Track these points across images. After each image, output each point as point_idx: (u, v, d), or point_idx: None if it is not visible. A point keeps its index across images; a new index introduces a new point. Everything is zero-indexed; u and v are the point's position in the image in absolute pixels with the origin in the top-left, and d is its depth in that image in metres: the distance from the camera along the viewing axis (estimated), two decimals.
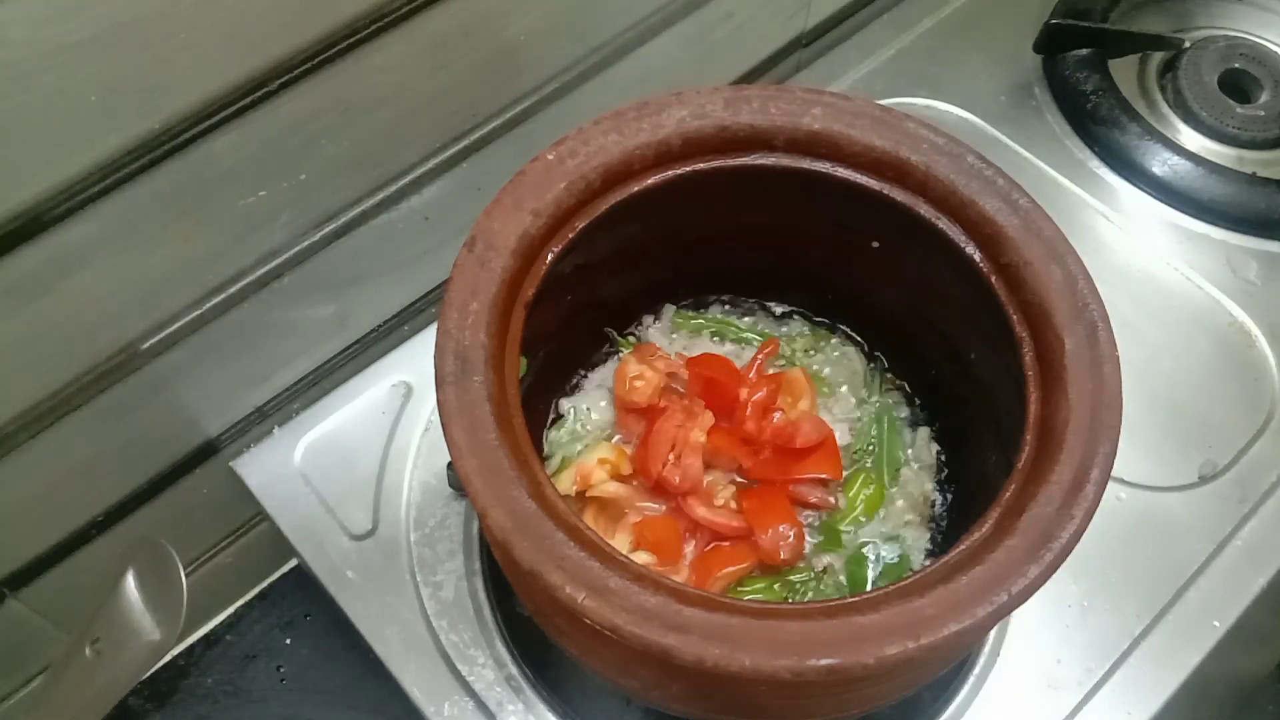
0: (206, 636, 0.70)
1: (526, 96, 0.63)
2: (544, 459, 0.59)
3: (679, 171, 0.51)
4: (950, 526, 0.58)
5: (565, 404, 0.61)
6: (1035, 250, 0.47)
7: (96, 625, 0.53)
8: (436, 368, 0.43)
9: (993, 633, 0.60)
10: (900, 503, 0.59)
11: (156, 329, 0.54)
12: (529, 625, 0.57)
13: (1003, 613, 0.39)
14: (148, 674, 0.66)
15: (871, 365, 0.63)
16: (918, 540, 0.58)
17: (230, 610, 0.71)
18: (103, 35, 0.41)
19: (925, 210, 0.50)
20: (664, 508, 0.57)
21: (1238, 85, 0.83)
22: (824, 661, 0.37)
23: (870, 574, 0.56)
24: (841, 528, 0.57)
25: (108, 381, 0.54)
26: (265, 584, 0.73)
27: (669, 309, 0.64)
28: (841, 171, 0.51)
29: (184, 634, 0.69)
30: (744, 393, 0.59)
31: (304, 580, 0.68)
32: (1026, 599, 0.39)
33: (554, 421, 0.61)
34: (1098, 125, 0.79)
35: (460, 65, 0.57)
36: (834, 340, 0.64)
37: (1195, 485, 0.66)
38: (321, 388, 0.68)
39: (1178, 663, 0.60)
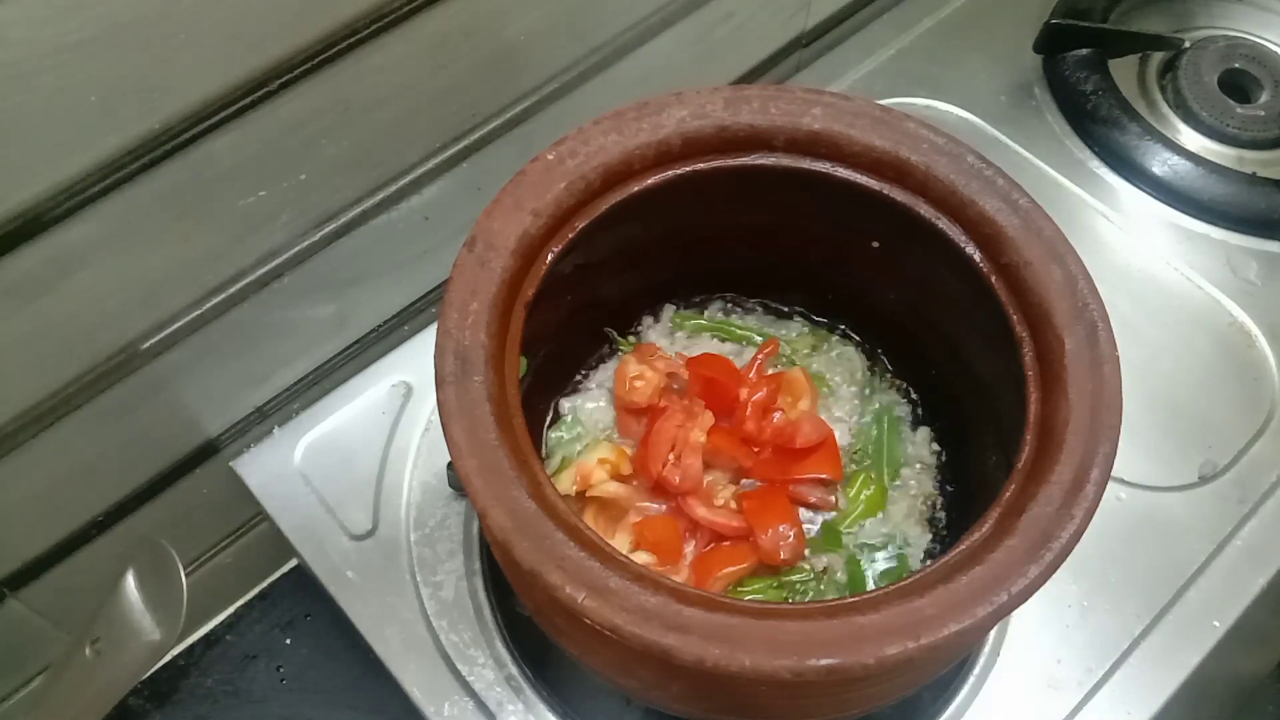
0: (206, 636, 0.70)
1: (526, 96, 0.63)
2: (544, 459, 0.59)
3: (679, 171, 0.51)
4: (950, 526, 0.58)
5: (565, 404, 0.61)
6: (1035, 250, 0.47)
7: (96, 625, 0.53)
8: (436, 368, 0.43)
9: (993, 633, 0.60)
10: (900, 503, 0.59)
11: (156, 329, 0.54)
12: (529, 625, 0.57)
13: (1003, 613, 0.39)
14: (148, 674, 0.66)
15: (872, 365, 0.63)
16: (918, 540, 0.58)
17: (230, 610, 0.71)
18: (103, 35, 0.41)
19: (925, 210, 0.50)
20: (664, 508, 0.57)
21: (1238, 85, 0.83)
22: (824, 661, 0.37)
23: (870, 574, 0.56)
24: (841, 528, 0.57)
25: (108, 381, 0.54)
26: (265, 584, 0.73)
27: (669, 309, 0.64)
28: (841, 171, 0.51)
29: (184, 634, 0.69)
30: (744, 393, 0.59)
31: (304, 580, 0.68)
32: (1026, 599, 0.39)
33: (554, 421, 0.61)
34: (1098, 125, 0.79)
35: (460, 65, 0.57)
36: (834, 340, 0.64)
37: (1195, 485, 0.66)
38: (321, 388, 0.68)
39: (1178, 663, 0.60)
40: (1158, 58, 0.85)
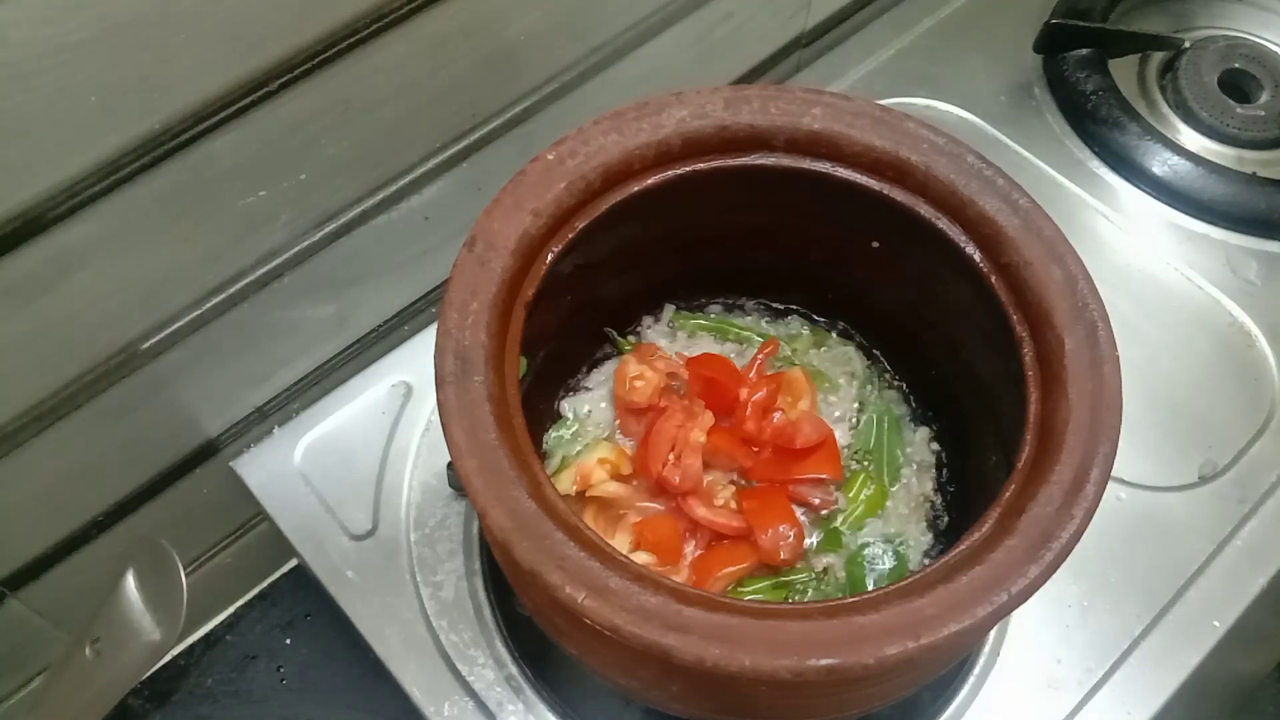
0: (206, 636, 0.70)
1: (526, 96, 0.63)
2: (544, 459, 0.59)
3: (679, 171, 0.51)
4: (950, 526, 0.58)
5: (565, 404, 0.61)
6: (1035, 250, 0.47)
7: (96, 625, 0.53)
8: (436, 368, 0.43)
9: (993, 633, 0.60)
10: (900, 503, 0.59)
11: (156, 329, 0.54)
12: (529, 625, 0.57)
13: (1003, 613, 0.39)
14: (148, 674, 0.66)
15: (871, 365, 0.63)
16: (918, 540, 0.58)
17: (230, 610, 0.71)
18: (103, 35, 0.41)
19: (925, 210, 0.50)
20: (664, 508, 0.57)
21: (1238, 85, 0.83)
22: (824, 661, 0.37)
23: (870, 574, 0.56)
24: (842, 528, 0.57)
25: (108, 381, 0.54)
26: (265, 584, 0.73)
27: (669, 309, 0.64)
28: (841, 171, 0.51)
29: (184, 634, 0.69)
30: (744, 393, 0.59)
31: (304, 580, 0.68)
32: (1026, 599, 0.39)
33: (554, 421, 0.61)
34: (1098, 125, 0.79)
35: (460, 65, 0.57)
36: (834, 340, 0.64)
37: (1195, 485, 0.66)
38: (321, 388, 0.68)
39: (1178, 663, 0.60)
40: (1158, 58, 0.85)
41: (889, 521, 0.58)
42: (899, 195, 0.50)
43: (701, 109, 0.50)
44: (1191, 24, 0.88)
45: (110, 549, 0.61)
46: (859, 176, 0.51)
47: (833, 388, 0.62)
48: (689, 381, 0.59)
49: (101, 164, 0.45)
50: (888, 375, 0.63)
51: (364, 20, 0.50)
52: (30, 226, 0.44)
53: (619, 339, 0.63)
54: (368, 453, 0.66)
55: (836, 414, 0.61)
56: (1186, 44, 0.83)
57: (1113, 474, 0.42)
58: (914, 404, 0.62)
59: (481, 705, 0.58)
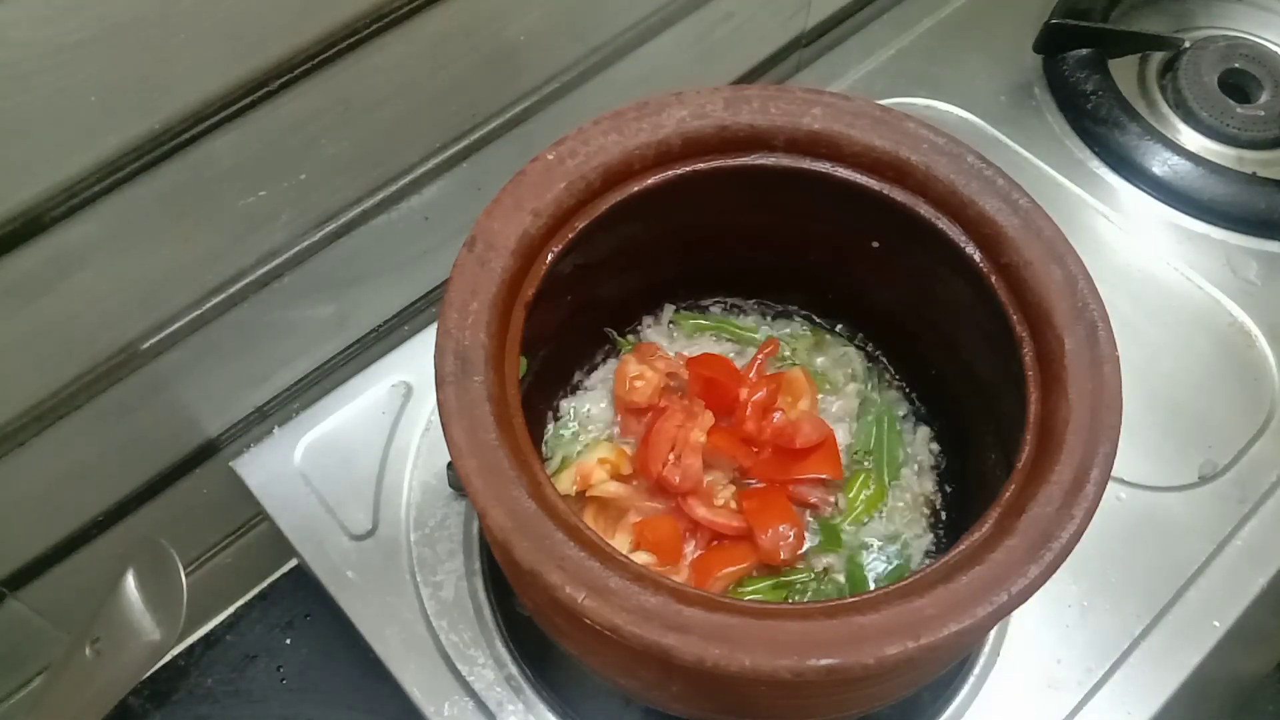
0: (206, 636, 0.70)
1: (526, 96, 0.63)
2: (544, 459, 0.59)
3: (679, 171, 0.51)
4: (950, 526, 0.58)
5: (565, 404, 0.61)
6: (1035, 250, 0.47)
7: (96, 625, 0.53)
8: (436, 368, 0.43)
9: (993, 633, 0.60)
10: (900, 503, 0.59)
11: (156, 329, 0.54)
12: (529, 625, 0.57)
13: (1003, 613, 0.39)
14: (148, 674, 0.66)
15: (871, 365, 0.63)
16: (918, 540, 0.58)
17: (230, 610, 0.71)
18: (103, 35, 0.41)
19: (925, 210, 0.50)
20: (664, 508, 0.57)
21: (1238, 85, 0.83)
22: (824, 661, 0.37)
23: (870, 574, 0.56)
24: (842, 528, 0.57)
25: (108, 381, 0.54)
26: (265, 584, 0.73)
27: (669, 309, 0.64)
28: (841, 171, 0.51)
29: (184, 634, 0.69)
30: (744, 393, 0.59)
31: (304, 580, 0.68)
32: (1026, 599, 0.39)
33: (554, 421, 0.61)
34: (1098, 125, 0.79)
35: (460, 65, 0.57)
36: (834, 340, 0.64)
37: (1195, 485, 0.66)
38: (321, 388, 0.68)
39: (1178, 663, 0.60)
40: (1158, 58, 0.85)
41: (889, 521, 0.58)
42: (899, 195, 0.50)
43: (701, 109, 0.50)
44: (1191, 24, 0.88)
45: (110, 549, 0.61)
46: (859, 176, 0.51)
47: (833, 388, 0.62)
48: (689, 381, 0.59)
49: (101, 164, 0.45)
50: (888, 375, 0.63)
51: (364, 20, 0.50)
52: (30, 226, 0.44)
53: (619, 339, 0.63)
54: (368, 453, 0.66)
55: (836, 414, 0.61)
56: (1186, 44, 0.83)
57: (1113, 474, 0.42)
58: (914, 404, 0.62)
59: (481, 705, 0.58)
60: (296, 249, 0.58)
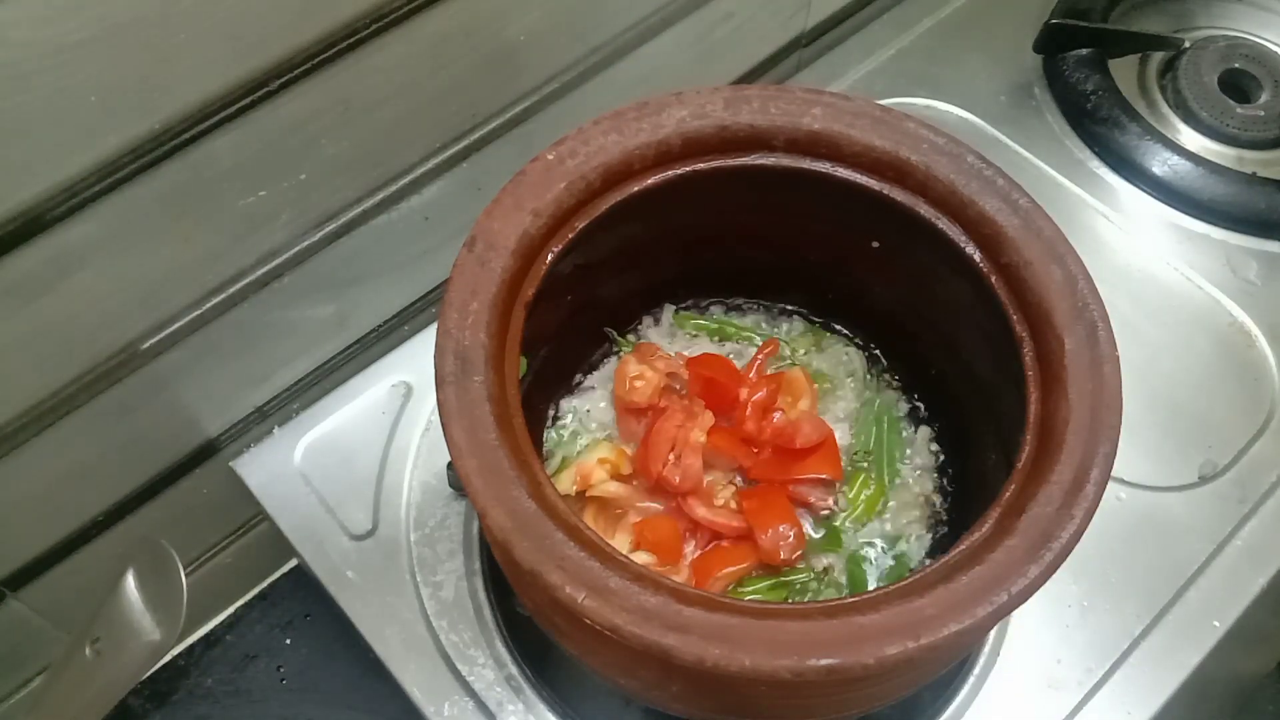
0: (206, 636, 0.70)
1: (526, 96, 0.63)
2: (544, 459, 0.59)
3: (679, 171, 0.51)
4: (950, 526, 0.58)
5: (565, 404, 0.61)
6: (1035, 250, 0.47)
7: (96, 625, 0.53)
8: (436, 368, 0.43)
9: (993, 633, 0.60)
10: (900, 503, 0.59)
11: (156, 329, 0.54)
12: (529, 625, 0.57)
13: (1003, 613, 0.39)
14: (148, 674, 0.66)
15: (871, 365, 0.63)
16: (918, 540, 0.58)
17: (230, 610, 0.71)
18: (103, 35, 0.41)
19: (925, 210, 0.50)
20: (664, 508, 0.57)
21: (1238, 85, 0.83)
22: (824, 661, 0.37)
23: (870, 574, 0.56)
24: (842, 528, 0.57)
25: (108, 381, 0.54)
26: (265, 584, 0.73)
27: (669, 309, 0.64)
28: (841, 171, 0.51)
29: (184, 634, 0.69)
30: (744, 393, 0.59)
31: (304, 580, 0.68)
32: (1026, 599, 0.39)
33: (554, 421, 0.61)
34: (1098, 125, 0.79)
35: (460, 65, 0.57)
36: (834, 340, 0.64)
37: (1195, 485, 0.66)
38: (321, 388, 0.68)
39: (1178, 663, 0.60)
40: (1158, 58, 0.85)
41: (889, 521, 0.58)
42: (899, 195, 0.50)
43: (701, 109, 0.50)
44: (1191, 24, 0.88)
45: (110, 549, 0.61)
46: (859, 176, 0.51)
47: (833, 388, 0.62)
48: (689, 381, 0.59)
49: (101, 164, 0.45)
50: (888, 375, 0.63)
51: (364, 20, 0.50)
52: (30, 226, 0.44)
53: (619, 339, 0.63)
54: (368, 453, 0.66)
55: (836, 414, 0.61)
56: (1186, 44, 0.83)
57: (1113, 474, 0.42)
58: (914, 404, 0.62)
59: (481, 705, 0.58)
60: (296, 249, 0.58)
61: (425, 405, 0.67)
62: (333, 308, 0.64)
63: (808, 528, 0.57)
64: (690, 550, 0.56)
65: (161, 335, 0.55)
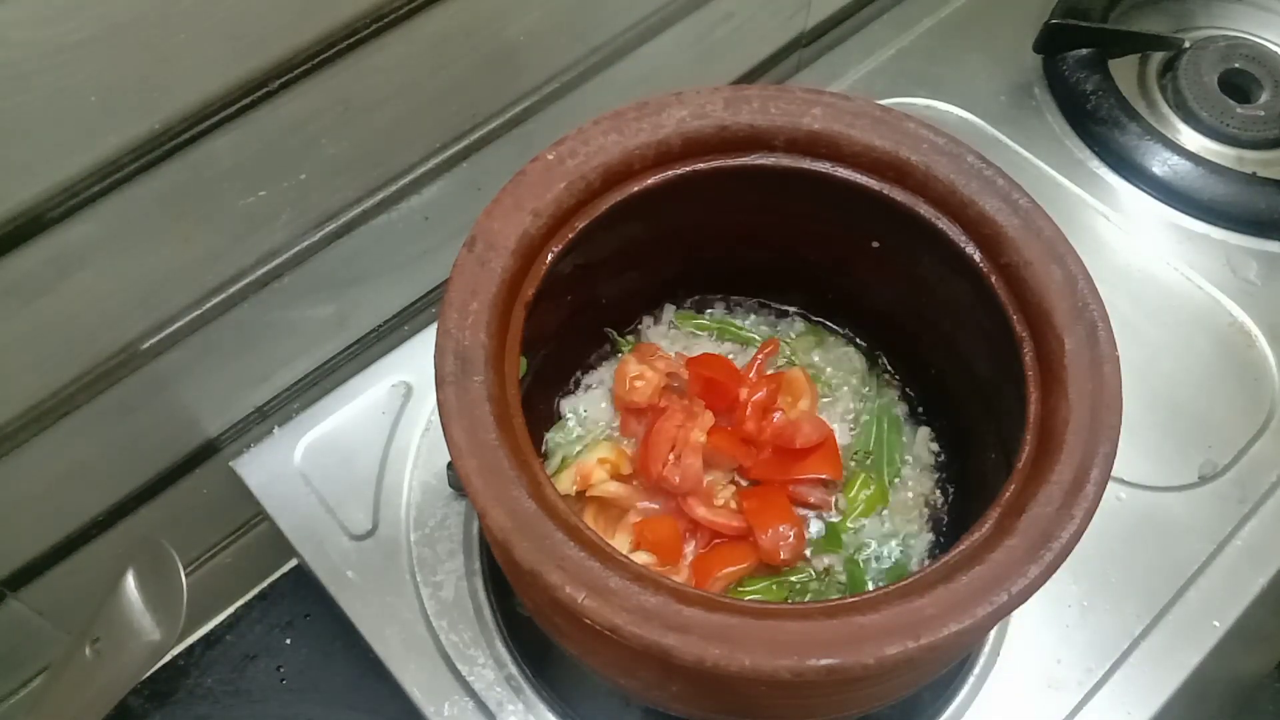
0: (206, 636, 0.70)
1: (526, 96, 0.63)
2: (544, 459, 0.59)
3: (679, 171, 0.51)
4: (950, 526, 0.58)
5: (565, 404, 0.61)
6: (1035, 250, 0.47)
7: (96, 625, 0.53)
8: (436, 368, 0.43)
9: (993, 633, 0.60)
10: (900, 503, 0.59)
11: (156, 329, 0.54)
12: (529, 625, 0.57)
13: (1003, 613, 0.39)
14: (148, 674, 0.66)
15: (872, 365, 0.63)
16: (918, 540, 0.58)
17: (230, 610, 0.71)
18: (103, 35, 0.41)
19: (925, 210, 0.50)
20: (664, 508, 0.57)
21: (1238, 85, 0.83)
22: (824, 661, 0.37)
23: (870, 574, 0.56)
24: (842, 528, 0.57)
25: (108, 381, 0.54)
26: (265, 584, 0.73)
27: (669, 309, 0.64)
28: (841, 171, 0.51)
29: (184, 634, 0.69)
30: (744, 393, 0.59)
31: (304, 580, 0.67)
32: (1026, 599, 0.39)
33: (554, 421, 0.61)
34: (1098, 125, 0.79)
35: (460, 65, 0.57)
36: (834, 340, 0.64)
37: (1195, 485, 0.66)
38: (322, 388, 0.68)
39: (1178, 663, 0.60)
40: (1158, 58, 0.85)
41: (889, 521, 0.58)
42: (899, 195, 0.50)
43: (701, 109, 0.50)
44: (1191, 24, 0.88)
45: (110, 549, 0.61)
46: (859, 176, 0.51)
47: (833, 388, 0.62)
48: (689, 381, 0.59)
49: (101, 164, 0.45)
50: (888, 375, 0.63)
51: (364, 20, 0.50)
52: (30, 226, 0.44)
53: (619, 339, 0.63)
54: (368, 453, 0.66)
55: (836, 414, 0.61)
56: (1186, 44, 0.83)
57: (1113, 474, 0.42)
58: (914, 404, 0.62)
59: (481, 705, 0.58)
60: (296, 249, 0.58)
61: (425, 405, 0.67)
62: (333, 308, 0.64)
63: (808, 528, 0.57)
64: (690, 550, 0.56)
65: (161, 335, 0.55)
